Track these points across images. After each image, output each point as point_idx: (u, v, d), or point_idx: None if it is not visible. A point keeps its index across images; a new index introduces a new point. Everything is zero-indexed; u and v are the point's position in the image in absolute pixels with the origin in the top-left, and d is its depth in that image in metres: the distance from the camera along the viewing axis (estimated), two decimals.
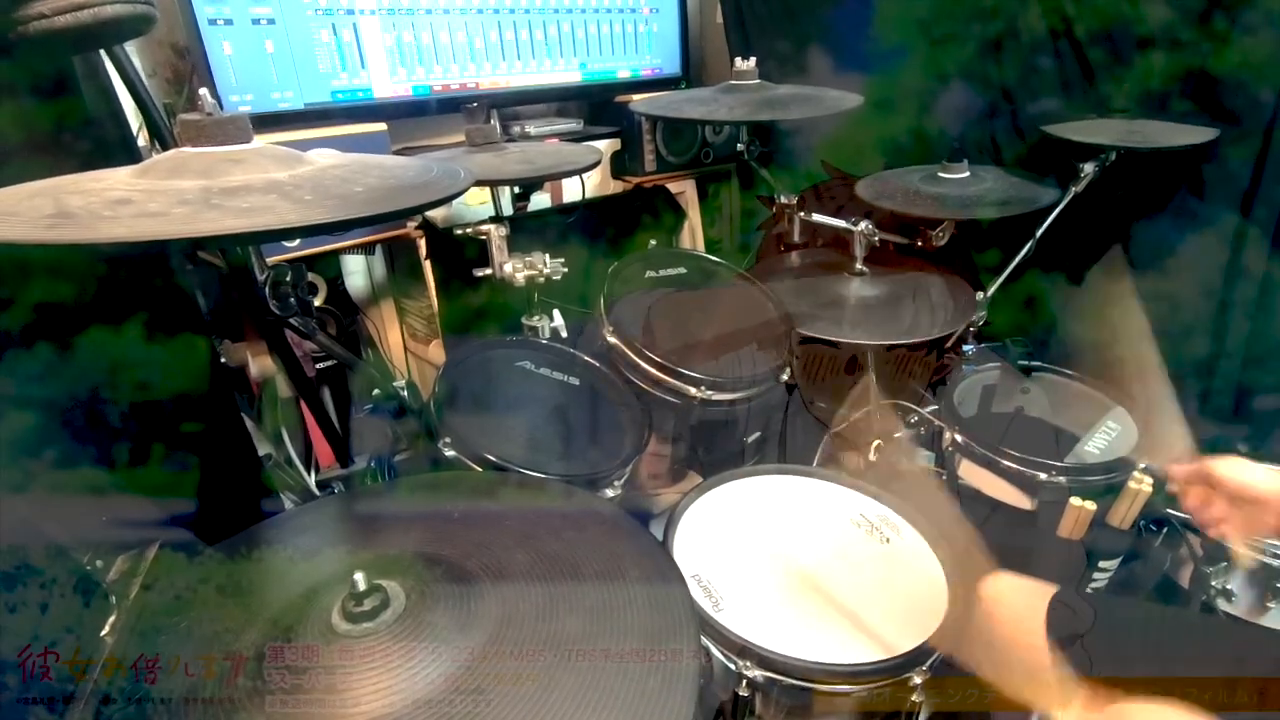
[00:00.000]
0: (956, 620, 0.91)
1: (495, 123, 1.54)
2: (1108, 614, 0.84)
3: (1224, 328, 1.44)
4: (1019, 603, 0.91)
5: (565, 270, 1.33)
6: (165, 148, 1.07)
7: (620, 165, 1.87)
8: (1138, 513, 1.20)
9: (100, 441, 0.87)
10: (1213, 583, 1.11)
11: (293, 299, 0.95)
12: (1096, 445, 1.34)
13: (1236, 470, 0.80)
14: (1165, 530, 1.20)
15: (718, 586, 0.98)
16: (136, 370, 0.92)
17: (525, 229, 1.49)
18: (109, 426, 0.89)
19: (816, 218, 1.61)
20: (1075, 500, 1.20)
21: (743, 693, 0.88)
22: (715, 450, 1.55)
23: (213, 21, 1.29)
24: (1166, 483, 0.87)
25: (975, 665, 0.81)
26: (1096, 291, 1.01)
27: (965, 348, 1.57)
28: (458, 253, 1.43)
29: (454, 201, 1.48)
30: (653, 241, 1.60)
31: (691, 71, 2.04)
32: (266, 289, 0.93)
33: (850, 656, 0.89)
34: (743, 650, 0.88)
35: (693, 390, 1.28)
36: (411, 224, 1.53)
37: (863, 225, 1.53)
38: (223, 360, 1.29)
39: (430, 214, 1.56)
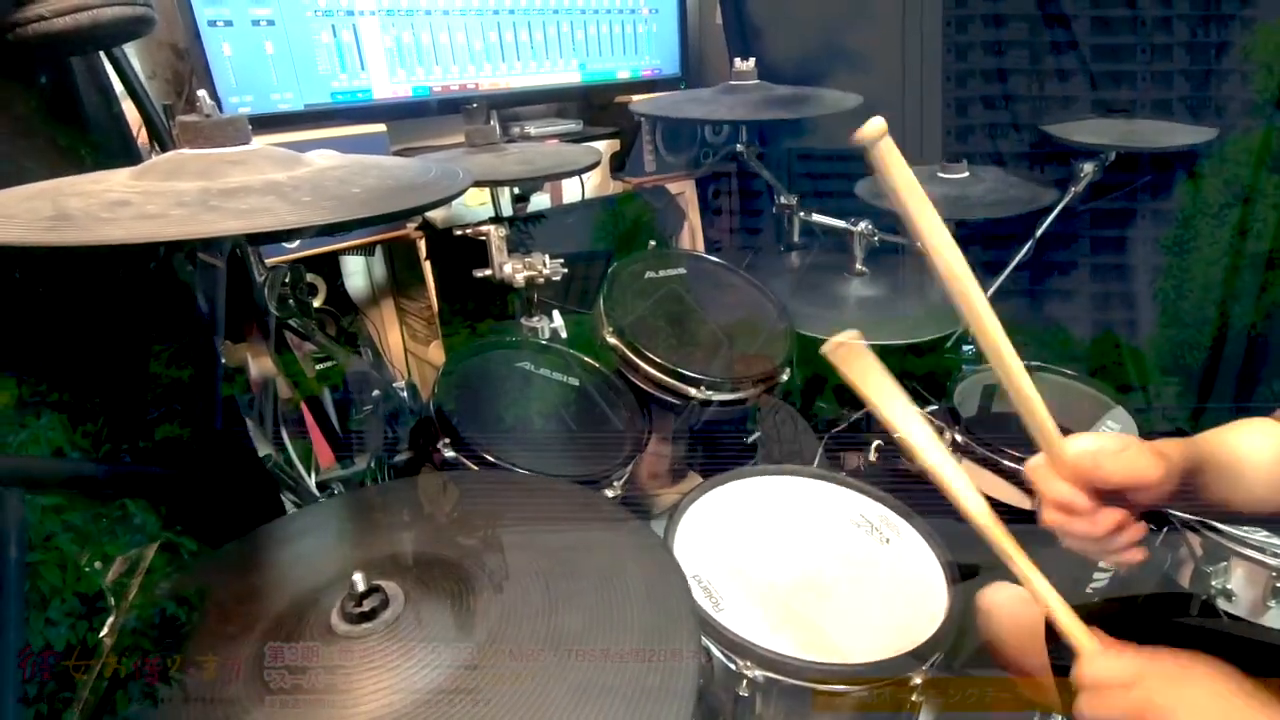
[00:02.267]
0: None
1: (495, 123, 1.54)
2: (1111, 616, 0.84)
3: (1225, 327, 1.44)
4: (1018, 611, 0.91)
5: (565, 271, 1.33)
6: (165, 149, 1.07)
7: (620, 166, 1.87)
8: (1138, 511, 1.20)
9: (98, 442, 0.87)
10: (1213, 582, 1.11)
11: (292, 300, 0.95)
12: None
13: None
14: (1165, 530, 1.20)
15: (718, 586, 0.98)
16: (134, 371, 0.92)
17: (524, 230, 1.49)
18: (107, 427, 0.89)
19: (816, 217, 1.61)
20: None
21: (743, 693, 0.88)
22: (717, 451, 1.55)
23: (212, 23, 1.29)
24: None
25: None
26: None
27: (965, 348, 1.57)
28: (457, 253, 1.43)
29: (453, 202, 1.48)
30: (652, 242, 1.61)
31: (691, 72, 2.04)
32: (265, 290, 0.93)
33: (850, 657, 0.89)
34: (743, 650, 0.87)
35: (693, 390, 1.28)
36: (411, 225, 1.53)
37: (862, 225, 1.53)
38: (223, 361, 1.29)
39: (430, 215, 1.56)
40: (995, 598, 0.96)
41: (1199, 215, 1.43)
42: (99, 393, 0.84)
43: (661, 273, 1.52)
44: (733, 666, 0.88)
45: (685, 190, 1.99)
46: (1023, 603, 0.93)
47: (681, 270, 1.55)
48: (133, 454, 0.88)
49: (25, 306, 0.79)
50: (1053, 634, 0.83)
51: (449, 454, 1.09)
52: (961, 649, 0.95)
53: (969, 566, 1.01)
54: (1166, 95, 1.43)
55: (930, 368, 1.62)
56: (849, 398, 1.63)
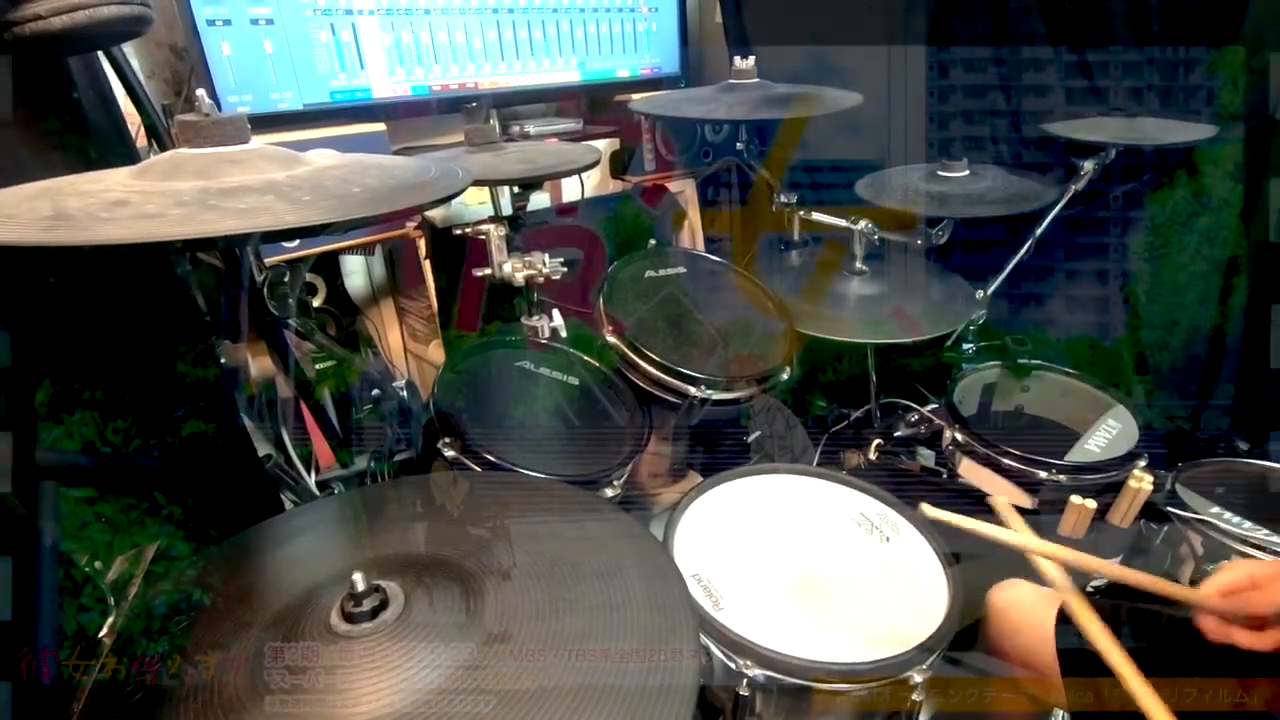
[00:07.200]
0: None
1: (494, 122, 1.53)
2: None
3: (1223, 325, 1.44)
4: (1030, 609, 0.92)
5: (565, 270, 1.33)
6: (164, 149, 1.07)
7: (620, 165, 1.87)
8: (1138, 510, 1.20)
9: (127, 438, 0.88)
10: None
11: (291, 300, 0.95)
12: (1097, 443, 1.34)
13: None
14: (1166, 528, 1.20)
15: (718, 586, 0.98)
16: (135, 371, 0.92)
17: (524, 229, 1.49)
18: (108, 429, 0.89)
19: (816, 216, 1.61)
20: (1076, 499, 1.20)
21: (743, 692, 0.88)
22: (715, 450, 1.55)
23: (211, 22, 1.28)
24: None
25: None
26: None
27: (965, 346, 1.57)
28: (457, 253, 1.42)
29: (453, 201, 1.48)
30: (652, 241, 1.60)
31: (690, 71, 2.03)
32: (265, 290, 0.93)
33: (850, 656, 0.89)
34: (743, 649, 0.88)
35: (693, 390, 1.28)
36: (411, 224, 1.53)
37: (862, 224, 1.53)
38: (222, 360, 1.29)
39: (430, 214, 1.56)
40: (1008, 595, 0.96)
41: (1204, 212, 1.43)
42: (128, 391, 0.85)
43: (661, 272, 1.51)
44: (733, 666, 0.88)
45: (685, 189, 1.98)
46: (1035, 601, 0.93)
47: (681, 269, 1.54)
48: (160, 449, 0.88)
49: (58, 309, 0.80)
50: (1062, 631, 0.84)
51: (449, 453, 1.09)
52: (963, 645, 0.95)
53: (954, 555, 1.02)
54: (1167, 90, 1.43)
55: (930, 366, 1.62)
56: (843, 395, 1.64)
